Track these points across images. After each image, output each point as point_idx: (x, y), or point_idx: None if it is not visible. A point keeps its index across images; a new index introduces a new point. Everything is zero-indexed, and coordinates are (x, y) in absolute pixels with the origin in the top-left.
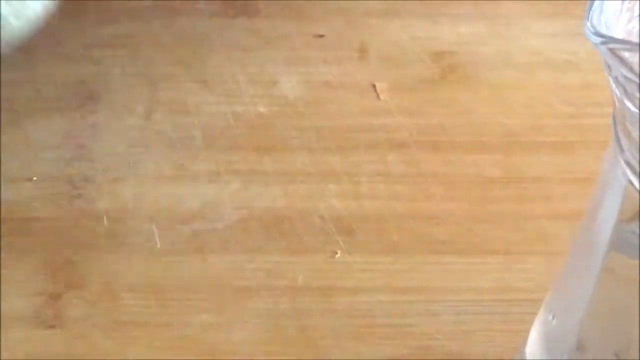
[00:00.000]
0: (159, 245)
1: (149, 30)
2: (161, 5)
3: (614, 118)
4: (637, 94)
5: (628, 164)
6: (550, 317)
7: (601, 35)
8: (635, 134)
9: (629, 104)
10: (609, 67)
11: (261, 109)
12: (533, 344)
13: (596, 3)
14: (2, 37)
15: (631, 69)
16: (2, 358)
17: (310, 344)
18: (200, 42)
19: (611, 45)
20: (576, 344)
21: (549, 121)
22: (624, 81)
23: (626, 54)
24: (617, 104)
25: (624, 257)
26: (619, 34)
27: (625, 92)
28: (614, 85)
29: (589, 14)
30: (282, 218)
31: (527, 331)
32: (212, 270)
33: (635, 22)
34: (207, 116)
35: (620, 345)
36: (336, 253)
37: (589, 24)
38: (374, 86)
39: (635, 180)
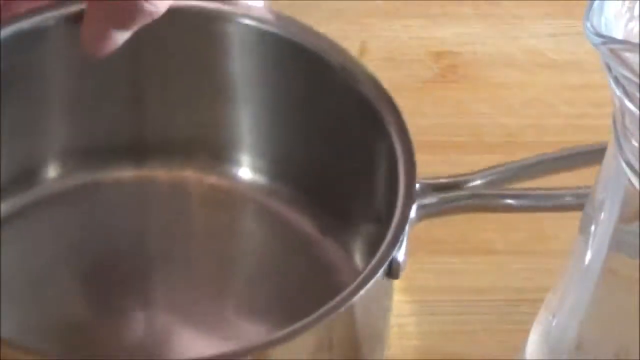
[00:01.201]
0: None
1: None
2: None
3: (614, 118)
4: (637, 94)
5: (628, 164)
6: (550, 317)
7: (601, 36)
8: (635, 134)
9: (629, 104)
10: (609, 67)
11: None
12: (533, 344)
13: (596, 3)
14: None
15: (631, 69)
16: None
17: None
18: None
19: (611, 46)
20: (576, 344)
21: (549, 121)
22: (624, 81)
23: (626, 54)
24: (617, 104)
25: (624, 257)
26: (619, 34)
27: (625, 92)
28: (614, 85)
29: (589, 14)
30: None
31: (527, 331)
32: None
33: (635, 22)
34: None
35: (620, 346)
36: None
37: (589, 24)
38: None
39: (635, 180)
